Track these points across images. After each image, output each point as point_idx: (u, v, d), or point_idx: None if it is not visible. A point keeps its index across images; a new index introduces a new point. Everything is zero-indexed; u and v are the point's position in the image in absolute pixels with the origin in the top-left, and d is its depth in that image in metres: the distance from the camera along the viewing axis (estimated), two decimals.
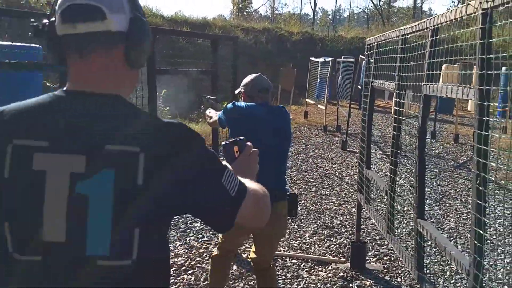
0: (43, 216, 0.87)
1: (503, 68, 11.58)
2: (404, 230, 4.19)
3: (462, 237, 4.18)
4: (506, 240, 4.06)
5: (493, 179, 5.24)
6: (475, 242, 1.47)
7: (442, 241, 1.79)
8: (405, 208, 4.68)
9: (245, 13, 36.14)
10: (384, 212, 2.83)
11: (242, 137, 1.23)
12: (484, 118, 1.43)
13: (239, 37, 16.01)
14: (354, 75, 9.48)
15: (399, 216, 4.25)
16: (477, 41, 1.45)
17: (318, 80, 12.78)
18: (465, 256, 1.63)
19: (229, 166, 1.12)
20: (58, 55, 0.98)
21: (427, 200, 5.15)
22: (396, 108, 2.50)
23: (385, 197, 2.69)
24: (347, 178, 6.33)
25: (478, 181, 1.46)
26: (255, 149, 1.21)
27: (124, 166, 0.87)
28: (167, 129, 0.95)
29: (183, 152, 0.92)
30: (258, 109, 2.46)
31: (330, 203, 5.16)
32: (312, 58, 13.62)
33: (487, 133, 1.43)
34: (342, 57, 14.12)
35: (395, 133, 2.52)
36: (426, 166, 5.29)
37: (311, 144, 8.82)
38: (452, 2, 39.47)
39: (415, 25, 2.21)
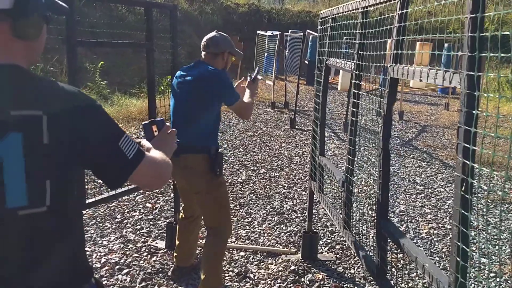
0: None
1: (446, 45, 11.79)
2: (360, 222, 4.03)
3: (413, 221, 4.09)
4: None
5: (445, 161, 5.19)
6: (458, 259, 1.23)
7: (413, 250, 1.55)
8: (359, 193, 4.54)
9: None
10: (340, 206, 2.62)
11: (162, 118, 1.38)
12: (474, 112, 1.16)
13: (180, 7, 15.21)
14: (302, 50, 9.21)
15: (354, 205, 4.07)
16: (467, 15, 1.16)
17: (266, 54, 12.43)
18: (442, 273, 1.39)
19: (148, 143, 1.29)
20: None
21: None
22: (355, 91, 2.21)
23: (341, 188, 2.44)
24: (296, 158, 6.12)
25: (463, 188, 1.20)
26: (173, 129, 1.39)
27: (30, 128, 1.00)
28: (67, 95, 1.07)
29: (82, 116, 1.05)
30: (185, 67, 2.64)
31: (280, 186, 4.92)
32: (259, 32, 13.21)
33: (476, 130, 1.17)
34: (289, 31, 13.81)
35: (353, 119, 2.25)
36: (373, 144, 5.17)
37: (259, 121, 8.53)
38: None
39: None
